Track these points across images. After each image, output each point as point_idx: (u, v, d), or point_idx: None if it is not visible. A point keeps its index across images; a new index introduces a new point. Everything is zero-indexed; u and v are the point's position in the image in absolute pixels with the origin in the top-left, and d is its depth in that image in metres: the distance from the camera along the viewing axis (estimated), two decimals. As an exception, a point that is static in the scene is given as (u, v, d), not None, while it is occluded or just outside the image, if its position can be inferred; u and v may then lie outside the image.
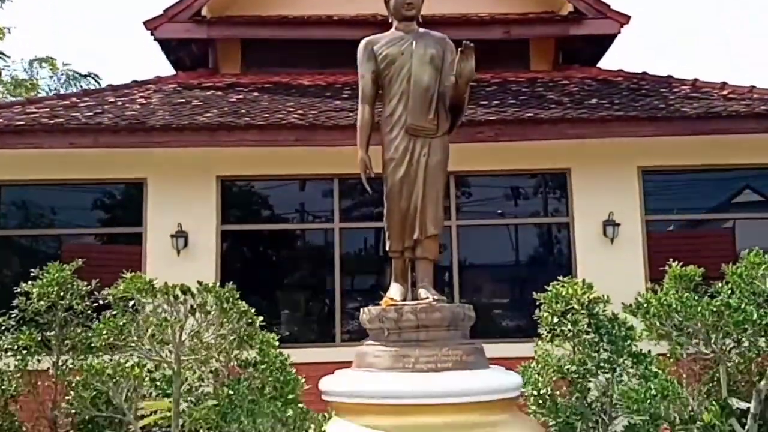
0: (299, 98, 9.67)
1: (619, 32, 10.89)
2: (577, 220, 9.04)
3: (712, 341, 3.13)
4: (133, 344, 3.04)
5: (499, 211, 9.50)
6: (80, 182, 9.20)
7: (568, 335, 5.66)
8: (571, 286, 5.78)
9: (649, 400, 3.19)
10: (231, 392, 3.89)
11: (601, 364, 5.45)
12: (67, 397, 6.07)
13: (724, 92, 9.61)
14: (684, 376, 6.12)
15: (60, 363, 6.18)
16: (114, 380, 3.10)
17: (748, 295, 5.26)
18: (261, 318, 5.81)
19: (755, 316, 3.05)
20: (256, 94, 9.99)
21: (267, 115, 8.86)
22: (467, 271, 9.14)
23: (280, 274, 9.39)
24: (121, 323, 3.04)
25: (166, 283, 3.17)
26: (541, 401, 5.55)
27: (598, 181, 9.00)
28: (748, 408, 3.13)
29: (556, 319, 5.72)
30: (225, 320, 3.14)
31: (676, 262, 6.54)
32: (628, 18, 10.85)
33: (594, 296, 5.72)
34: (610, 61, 22.53)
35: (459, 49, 4.60)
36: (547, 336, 5.91)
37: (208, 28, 10.74)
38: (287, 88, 10.26)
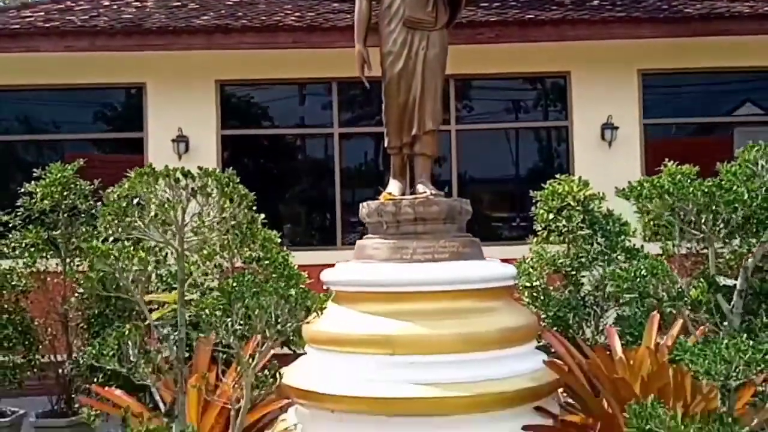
0: (296, 1, 9.51)
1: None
2: (576, 124, 9.05)
3: (702, 221, 3.22)
4: (136, 226, 3.13)
5: (501, 113, 9.49)
6: (79, 87, 9.17)
7: (563, 231, 5.80)
8: (567, 183, 5.88)
9: (638, 279, 3.30)
10: (235, 284, 4.00)
11: (595, 258, 5.61)
12: (76, 294, 6.30)
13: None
14: (675, 271, 6.28)
15: (68, 261, 6.36)
16: (120, 262, 3.21)
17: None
18: (263, 216, 6.01)
19: (746, 196, 3.13)
20: (253, -3, 9.83)
21: (264, 17, 8.75)
22: (466, 178, 9.23)
23: (281, 180, 9.48)
24: (124, 204, 3.12)
25: (166, 166, 3.24)
26: (534, 294, 5.74)
27: (598, 85, 8.96)
28: (735, 285, 3.25)
29: (551, 216, 5.84)
30: (226, 203, 3.21)
31: (672, 162, 6.60)
32: None
33: (589, 193, 5.83)
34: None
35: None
36: (542, 233, 6.06)
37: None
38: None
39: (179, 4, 9.47)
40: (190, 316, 5.30)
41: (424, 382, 4.11)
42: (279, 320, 3.17)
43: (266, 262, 5.71)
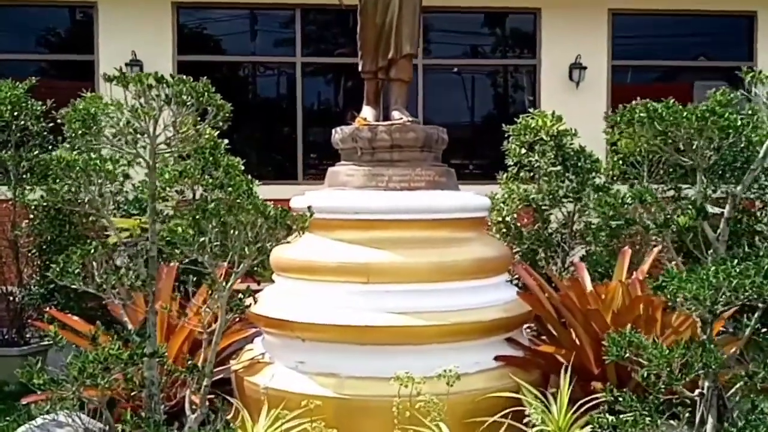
0: None
1: None
2: (544, 63, 8.94)
3: (694, 146, 3.15)
4: (105, 136, 2.90)
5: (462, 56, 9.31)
6: (21, 4, 8.62)
7: (535, 166, 5.72)
8: (541, 117, 5.78)
9: (625, 205, 3.24)
10: (203, 211, 3.79)
11: (567, 195, 5.56)
12: (26, 221, 6.00)
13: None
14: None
15: (18, 186, 6.02)
16: (86, 175, 2.98)
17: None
18: (226, 141, 5.77)
19: (738, 123, 3.06)
20: None
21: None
22: (431, 114, 9.06)
23: (241, 111, 9.09)
24: (92, 110, 2.88)
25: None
26: (505, 229, 5.68)
27: (567, 23, 8.83)
28: (722, 213, 3.21)
29: (523, 151, 5.75)
30: (194, 109, 2.98)
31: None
32: None
33: (562, 128, 5.74)
34: None
35: None
36: (512, 169, 5.97)
37: None
38: None
39: None
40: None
41: (397, 310, 4.02)
42: (258, 239, 3.01)
43: (230, 189, 5.50)
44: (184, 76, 3.05)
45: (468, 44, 9.30)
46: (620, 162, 6.23)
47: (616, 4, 8.86)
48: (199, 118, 3.13)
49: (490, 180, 6.60)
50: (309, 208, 3.37)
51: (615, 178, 6.28)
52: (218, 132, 5.60)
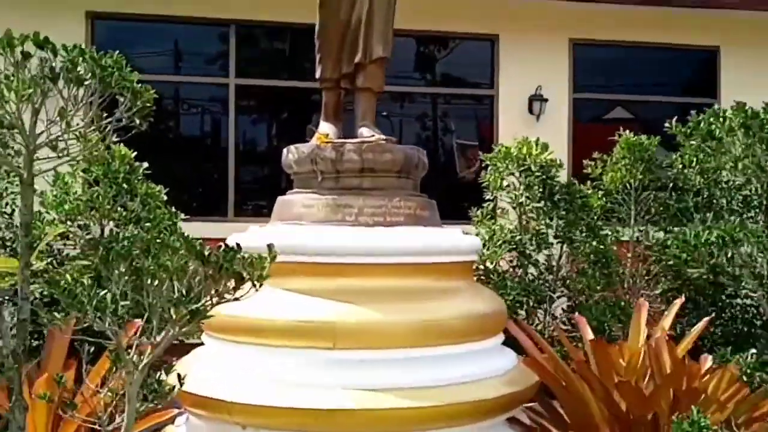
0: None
1: None
2: (502, 93, 8.20)
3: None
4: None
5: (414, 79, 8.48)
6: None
7: (519, 201, 4.85)
8: (525, 145, 4.93)
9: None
10: (107, 251, 2.71)
11: (556, 234, 4.70)
12: None
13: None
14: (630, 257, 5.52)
15: None
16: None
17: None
18: (146, 164, 4.68)
19: None
20: None
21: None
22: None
23: (164, 135, 8.00)
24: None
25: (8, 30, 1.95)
26: (485, 276, 4.77)
27: (527, 52, 8.13)
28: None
29: (504, 183, 4.88)
30: (97, 95, 1.96)
31: (627, 133, 5.81)
32: None
33: (550, 158, 4.92)
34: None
35: None
36: (488, 205, 5.10)
37: None
38: None
39: None
40: (41, 292, 3.95)
41: (374, 387, 3.01)
42: (191, 293, 1.96)
43: (148, 224, 4.40)
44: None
45: (419, 71, 8.49)
46: (605, 199, 5.46)
47: (578, 33, 8.24)
48: (104, 113, 2.08)
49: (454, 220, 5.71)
50: (270, 246, 2.35)
51: (599, 217, 5.49)
52: (134, 152, 4.52)
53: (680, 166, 5.37)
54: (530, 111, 8.11)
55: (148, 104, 2.22)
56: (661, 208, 5.44)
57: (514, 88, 8.14)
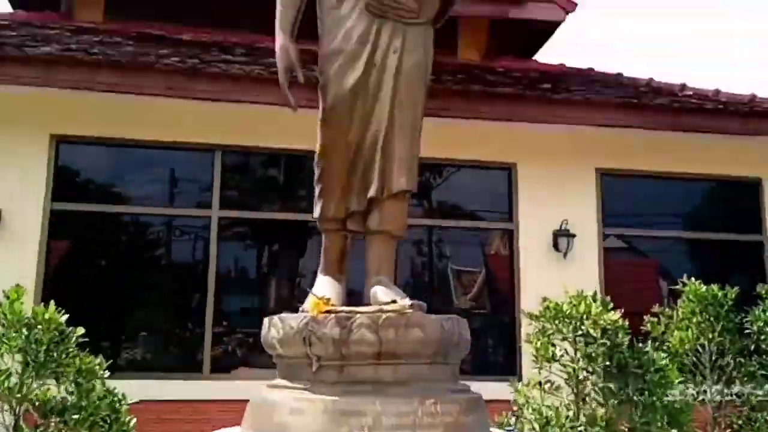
0: (176, 47, 7.34)
1: (564, 20, 9.36)
2: (523, 228, 7.23)
3: None
4: None
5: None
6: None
7: (580, 377, 3.72)
8: (580, 300, 3.86)
9: None
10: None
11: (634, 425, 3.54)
12: None
13: (688, 93, 8.20)
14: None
15: None
16: None
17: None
18: (82, 330, 3.55)
19: None
20: (118, 39, 7.57)
21: (129, 57, 6.50)
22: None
23: (132, 278, 6.91)
24: None
25: None
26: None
27: (550, 182, 7.25)
28: None
29: (558, 351, 3.76)
30: None
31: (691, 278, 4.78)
32: (574, 5, 9.34)
33: (614, 318, 3.83)
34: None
35: None
36: (534, 376, 3.96)
37: (63, -44, 8.26)
38: (160, 40, 7.89)
39: (13, 33, 7.07)
40: None
41: None
42: None
43: (76, 414, 3.23)
44: None
45: (431, 203, 7.54)
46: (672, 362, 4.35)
47: (606, 162, 7.40)
48: None
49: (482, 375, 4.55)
50: None
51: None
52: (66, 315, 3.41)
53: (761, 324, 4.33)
54: (555, 247, 7.12)
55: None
56: (743, 374, 4.35)
57: (535, 222, 7.18)
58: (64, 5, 8.72)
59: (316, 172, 2.94)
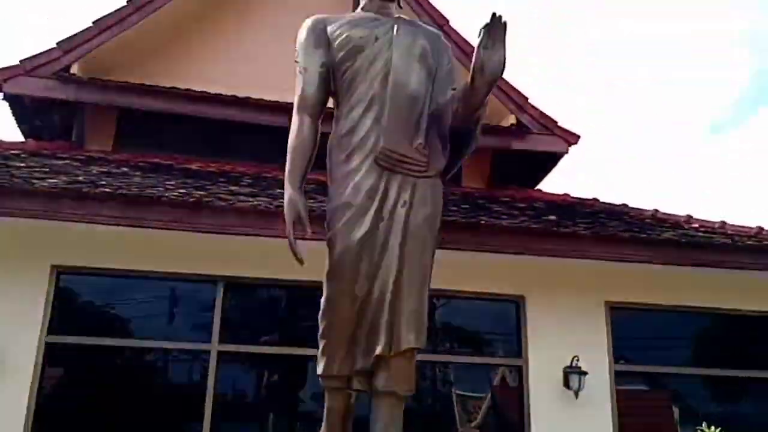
0: (183, 178, 7.40)
1: (567, 152, 9.50)
2: (533, 364, 7.00)
3: None
4: None
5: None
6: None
7: None
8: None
9: None
10: None
11: None
12: None
13: (694, 225, 8.18)
14: None
15: None
16: None
17: None
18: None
19: None
20: (126, 169, 7.65)
21: (136, 189, 6.52)
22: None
23: (126, 411, 6.63)
24: None
25: None
26: None
27: (559, 316, 7.09)
28: None
29: None
30: None
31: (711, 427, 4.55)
32: (577, 137, 9.51)
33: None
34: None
35: (483, 27, 2.65)
36: None
37: (77, 89, 8.48)
38: (168, 170, 7.98)
39: (22, 165, 7.15)
40: None
41: None
42: None
43: None
44: None
45: (438, 336, 7.34)
46: None
47: (615, 296, 7.25)
48: None
49: None
50: None
51: None
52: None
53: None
54: (567, 386, 6.86)
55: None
56: None
57: (545, 358, 6.96)
58: (75, 135, 8.89)
59: (321, 326, 2.82)
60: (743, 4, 26.51)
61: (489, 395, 7.22)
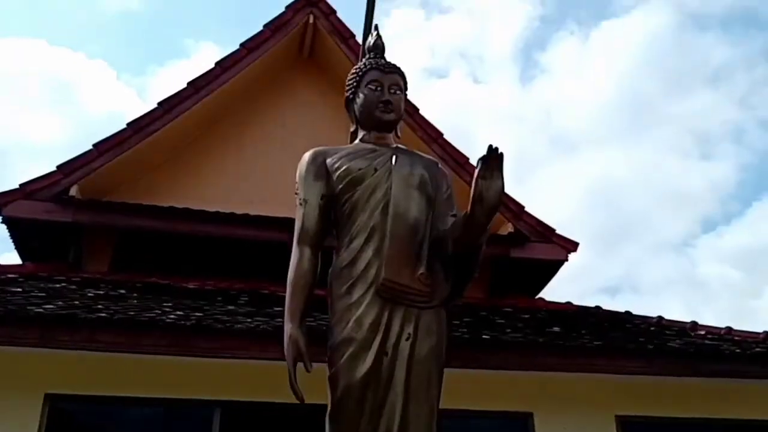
0: (180, 299, 7.31)
1: (566, 260, 9.49)
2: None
3: None
4: None
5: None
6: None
7: None
8: None
9: None
10: None
11: None
12: None
13: (701, 332, 8.06)
14: None
15: None
16: None
17: None
18: None
19: None
20: (123, 291, 7.57)
21: (133, 312, 6.42)
22: None
23: None
24: None
25: None
26: None
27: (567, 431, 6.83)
28: None
29: None
30: None
31: None
32: (576, 245, 9.52)
33: None
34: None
35: (481, 158, 2.67)
36: None
37: (75, 211, 8.53)
38: (165, 290, 7.89)
39: (19, 289, 7.08)
40: None
41: None
42: None
43: None
44: None
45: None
46: None
47: (625, 408, 7.03)
48: None
49: None
50: None
51: None
52: None
53: None
54: None
55: None
56: None
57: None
58: (72, 256, 8.87)
59: (324, 471, 2.68)
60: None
61: None
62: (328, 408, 2.69)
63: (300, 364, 2.75)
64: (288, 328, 2.82)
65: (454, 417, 6.97)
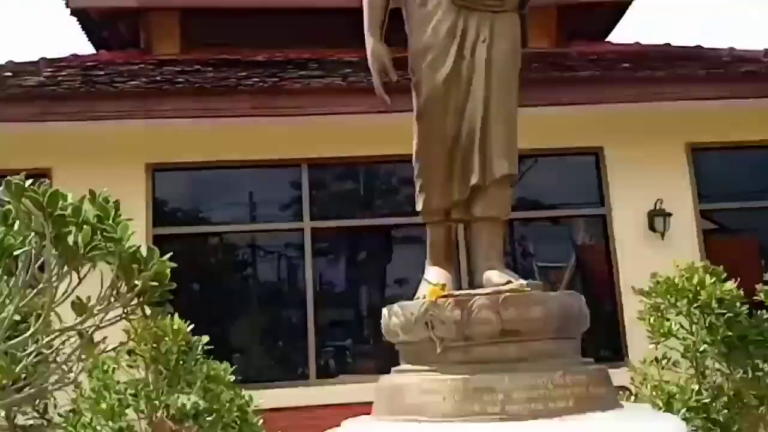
0: (254, 69, 7.54)
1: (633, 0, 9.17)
2: (616, 211, 7.08)
3: None
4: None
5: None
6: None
7: (699, 349, 3.62)
8: (692, 271, 3.76)
9: None
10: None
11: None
12: None
13: (775, 58, 7.86)
14: None
15: None
16: None
17: None
18: (207, 338, 3.71)
19: None
20: (198, 67, 7.84)
21: (212, 83, 6.73)
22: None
23: (232, 293, 7.13)
24: None
25: None
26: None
27: (639, 163, 7.06)
28: None
29: (674, 326, 3.67)
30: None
31: None
32: (644, -20, 9.11)
33: (728, 288, 3.71)
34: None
35: None
36: (651, 350, 3.88)
37: (138, -5, 8.61)
38: (237, 63, 8.12)
39: (102, 73, 7.42)
40: None
41: None
42: None
43: (209, 417, 3.36)
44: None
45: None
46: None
47: (696, 137, 7.16)
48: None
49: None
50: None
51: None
52: (191, 324, 3.57)
53: None
54: (652, 228, 6.94)
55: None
56: None
57: (628, 204, 7.02)
58: (143, 42, 9.09)
59: (416, 168, 2.97)
60: None
61: (572, 260, 7.35)
62: (415, 112, 2.93)
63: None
64: (370, 42, 3.00)
65: (528, 156, 7.30)
